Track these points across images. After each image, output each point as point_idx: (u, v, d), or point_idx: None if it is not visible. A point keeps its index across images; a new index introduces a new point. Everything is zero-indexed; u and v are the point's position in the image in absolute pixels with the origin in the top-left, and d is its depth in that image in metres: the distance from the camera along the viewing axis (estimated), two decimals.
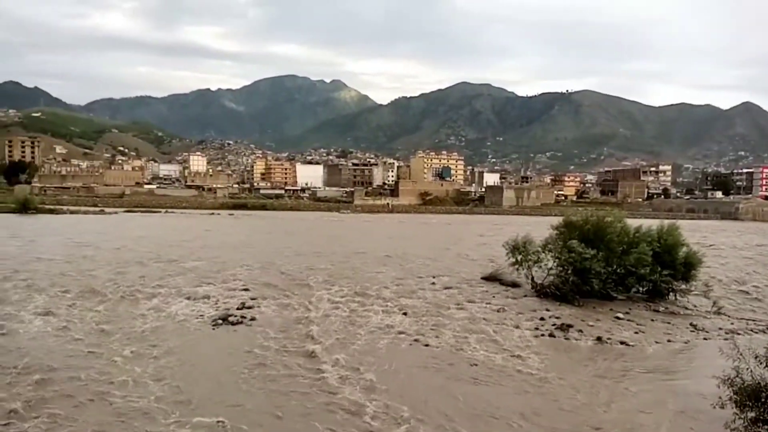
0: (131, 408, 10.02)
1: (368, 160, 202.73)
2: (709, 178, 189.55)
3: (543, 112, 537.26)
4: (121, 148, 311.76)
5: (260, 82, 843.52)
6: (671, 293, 20.99)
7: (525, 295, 21.12)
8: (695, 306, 20.19)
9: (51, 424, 9.42)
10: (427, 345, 14.48)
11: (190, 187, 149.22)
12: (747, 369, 8.85)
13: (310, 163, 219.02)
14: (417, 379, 12.02)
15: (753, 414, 8.63)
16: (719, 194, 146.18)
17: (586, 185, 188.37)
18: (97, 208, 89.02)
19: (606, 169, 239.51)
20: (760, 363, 8.94)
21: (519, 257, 21.46)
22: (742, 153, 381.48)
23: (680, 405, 10.93)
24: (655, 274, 19.99)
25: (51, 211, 76.02)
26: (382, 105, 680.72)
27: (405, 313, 17.83)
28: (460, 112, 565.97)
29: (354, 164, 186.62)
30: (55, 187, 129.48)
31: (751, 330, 17.11)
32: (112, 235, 44.28)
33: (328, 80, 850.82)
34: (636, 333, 16.20)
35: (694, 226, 67.95)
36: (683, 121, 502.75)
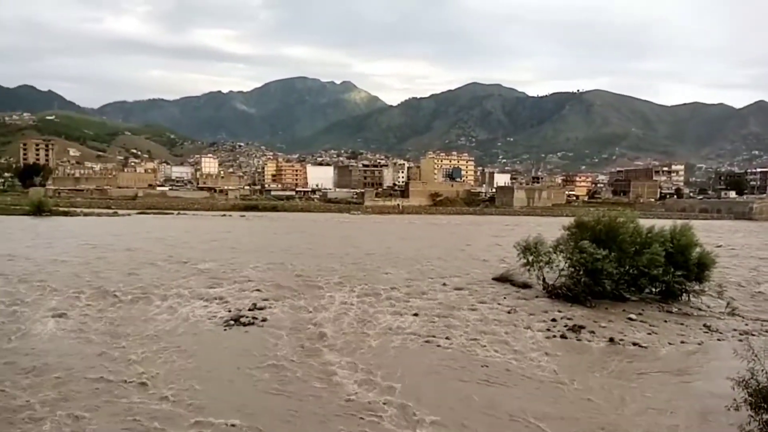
0: (147, 409, 10.11)
1: (378, 161, 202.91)
2: (722, 178, 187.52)
3: (554, 112, 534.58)
4: (134, 151, 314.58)
5: (271, 84, 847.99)
6: (684, 294, 20.78)
7: (536, 296, 21.04)
8: (709, 307, 19.98)
9: (69, 424, 9.51)
10: (438, 346, 14.47)
11: (201, 188, 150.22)
12: (762, 371, 8.75)
13: (320, 164, 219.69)
14: (430, 381, 11.99)
15: None
16: (733, 194, 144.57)
17: (598, 185, 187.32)
18: (111, 210, 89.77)
19: (618, 169, 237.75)
20: None
21: (530, 258, 21.36)
22: (756, 152, 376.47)
23: (694, 406, 10.84)
24: (668, 275, 19.78)
25: (65, 213, 76.82)
26: (392, 106, 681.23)
27: (416, 314, 17.83)
28: (470, 113, 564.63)
29: (364, 165, 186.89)
30: (69, 190, 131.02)
31: (766, 331, 16.89)
32: (125, 236, 44.69)
33: (338, 81, 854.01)
34: (649, 334, 16.07)
35: (707, 227, 67.27)
36: (696, 121, 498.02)
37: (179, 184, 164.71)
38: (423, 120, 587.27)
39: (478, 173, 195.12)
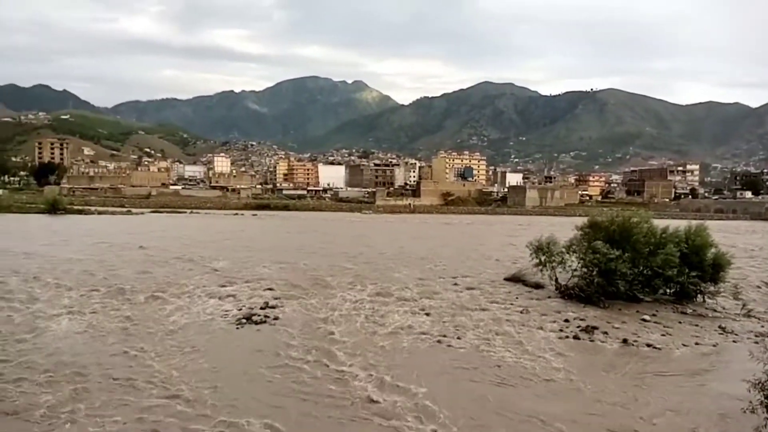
0: (165, 408, 10.16)
1: (390, 160, 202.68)
2: (738, 178, 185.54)
3: (567, 111, 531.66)
4: (148, 150, 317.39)
5: (283, 83, 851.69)
6: (699, 295, 20.57)
7: (549, 297, 20.93)
8: (724, 308, 19.77)
9: (87, 422, 9.58)
10: (450, 346, 14.44)
11: (214, 187, 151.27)
12: None
13: (332, 163, 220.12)
14: (443, 381, 11.94)
15: None
16: (749, 194, 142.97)
17: (612, 185, 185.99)
18: (124, 209, 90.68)
19: (632, 168, 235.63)
20: None
21: (543, 258, 21.23)
22: None
23: (709, 408, 10.72)
24: (683, 276, 19.61)
25: (79, 212, 77.71)
26: (403, 105, 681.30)
27: (427, 314, 17.81)
28: (482, 112, 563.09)
29: (376, 165, 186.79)
30: (84, 188, 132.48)
31: None
32: (138, 235, 45.04)
33: (350, 81, 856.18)
34: (663, 335, 15.92)
35: (722, 227, 66.53)
36: (711, 120, 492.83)
37: (192, 183, 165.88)
38: (434, 119, 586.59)
39: (490, 173, 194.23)
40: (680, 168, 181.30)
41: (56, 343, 13.79)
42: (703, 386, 12.20)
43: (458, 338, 15.09)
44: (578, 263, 20.63)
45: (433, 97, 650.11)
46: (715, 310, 19.47)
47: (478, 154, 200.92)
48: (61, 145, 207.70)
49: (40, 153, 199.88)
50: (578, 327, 16.41)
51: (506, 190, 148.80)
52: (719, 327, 17.04)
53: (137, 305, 18.26)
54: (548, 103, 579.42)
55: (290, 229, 59.09)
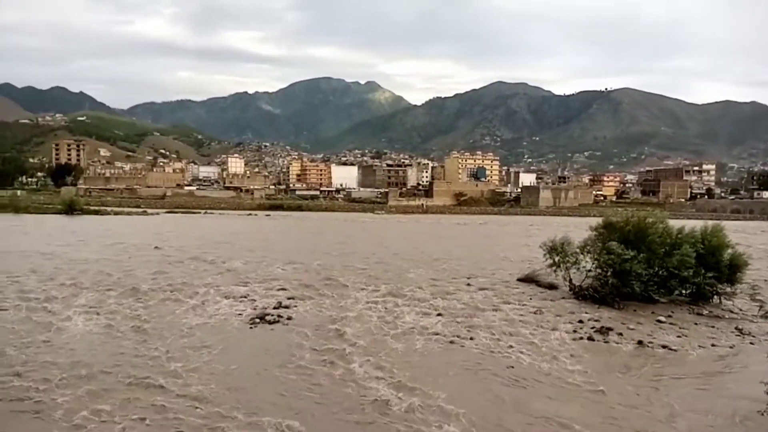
0: (182, 407, 10.24)
1: (402, 160, 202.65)
2: (755, 178, 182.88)
3: (581, 111, 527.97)
4: (163, 151, 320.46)
5: (296, 84, 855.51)
6: (715, 296, 20.34)
7: (563, 297, 20.80)
8: (741, 310, 19.52)
9: (108, 423, 9.67)
10: (463, 347, 14.40)
11: (228, 188, 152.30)
12: None
13: (344, 164, 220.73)
14: (457, 382, 11.91)
15: None
16: (766, 194, 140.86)
17: (626, 185, 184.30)
18: (140, 209, 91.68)
19: (647, 168, 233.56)
20: None
21: (557, 258, 21.11)
22: None
23: (726, 411, 10.58)
24: (699, 277, 19.40)
25: (95, 212, 78.63)
26: (416, 106, 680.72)
27: (440, 314, 17.77)
28: (495, 112, 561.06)
29: (388, 165, 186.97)
30: (100, 189, 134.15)
31: None
32: (153, 235, 45.48)
33: (362, 82, 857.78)
34: (678, 337, 15.76)
35: (739, 228, 65.67)
36: (728, 119, 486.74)
37: (206, 184, 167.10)
38: (447, 119, 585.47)
39: (503, 173, 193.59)
40: (696, 168, 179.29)
41: (73, 343, 13.95)
42: (720, 388, 12.06)
43: (471, 339, 15.04)
44: (592, 264, 20.48)
45: (445, 98, 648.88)
46: (731, 312, 19.23)
47: (491, 154, 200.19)
48: (78, 146, 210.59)
49: (57, 154, 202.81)
50: (592, 328, 16.29)
51: (519, 190, 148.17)
52: (736, 328, 16.82)
53: (152, 305, 18.43)
54: (562, 102, 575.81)
55: (303, 230, 59.33)
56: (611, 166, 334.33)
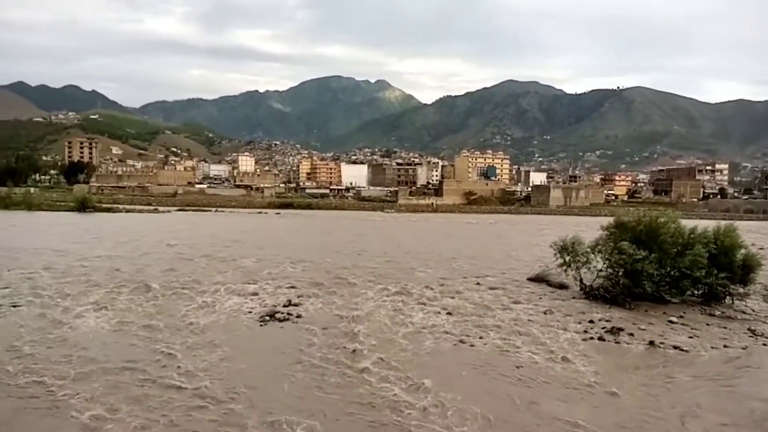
0: (196, 404, 10.33)
1: (412, 159, 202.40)
2: None
3: (593, 110, 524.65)
4: (174, 149, 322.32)
5: (306, 83, 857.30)
6: (728, 297, 20.15)
7: (573, 297, 20.70)
8: (754, 310, 19.33)
9: (124, 419, 9.76)
10: (472, 346, 14.38)
11: (238, 186, 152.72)
12: None
13: (354, 162, 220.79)
14: (467, 381, 11.90)
15: None
16: None
17: (638, 185, 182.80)
18: (151, 207, 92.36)
19: (659, 167, 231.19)
20: None
21: (567, 258, 21.00)
22: None
23: (740, 412, 10.50)
24: (711, 277, 19.23)
25: (108, 210, 79.20)
26: (426, 104, 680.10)
27: (449, 313, 17.76)
28: (506, 111, 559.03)
29: (398, 164, 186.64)
30: (112, 187, 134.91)
31: None
32: (165, 233, 45.78)
33: (372, 80, 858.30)
34: (690, 338, 15.63)
35: (752, 228, 64.98)
36: (741, 118, 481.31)
37: (217, 182, 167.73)
38: (458, 118, 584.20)
39: (514, 172, 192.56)
40: (709, 167, 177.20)
41: (87, 340, 14.09)
42: (733, 389, 11.95)
43: (480, 338, 15.02)
44: (603, 264, 20.37)
45: (456, 96, 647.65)
46: (744, 313, 19.05)
47: (501, 153, 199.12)
48: (90, 144, 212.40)
49: (69, 152, 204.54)
50: (603, 328, 16.20)
51: (530, 189, 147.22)
52: (749, 329, 16.67)
53: (164, 302, 18.58)
54: (573, 101, 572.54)
55: (313, 228, 59.44)
56: (623, 166, 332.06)
